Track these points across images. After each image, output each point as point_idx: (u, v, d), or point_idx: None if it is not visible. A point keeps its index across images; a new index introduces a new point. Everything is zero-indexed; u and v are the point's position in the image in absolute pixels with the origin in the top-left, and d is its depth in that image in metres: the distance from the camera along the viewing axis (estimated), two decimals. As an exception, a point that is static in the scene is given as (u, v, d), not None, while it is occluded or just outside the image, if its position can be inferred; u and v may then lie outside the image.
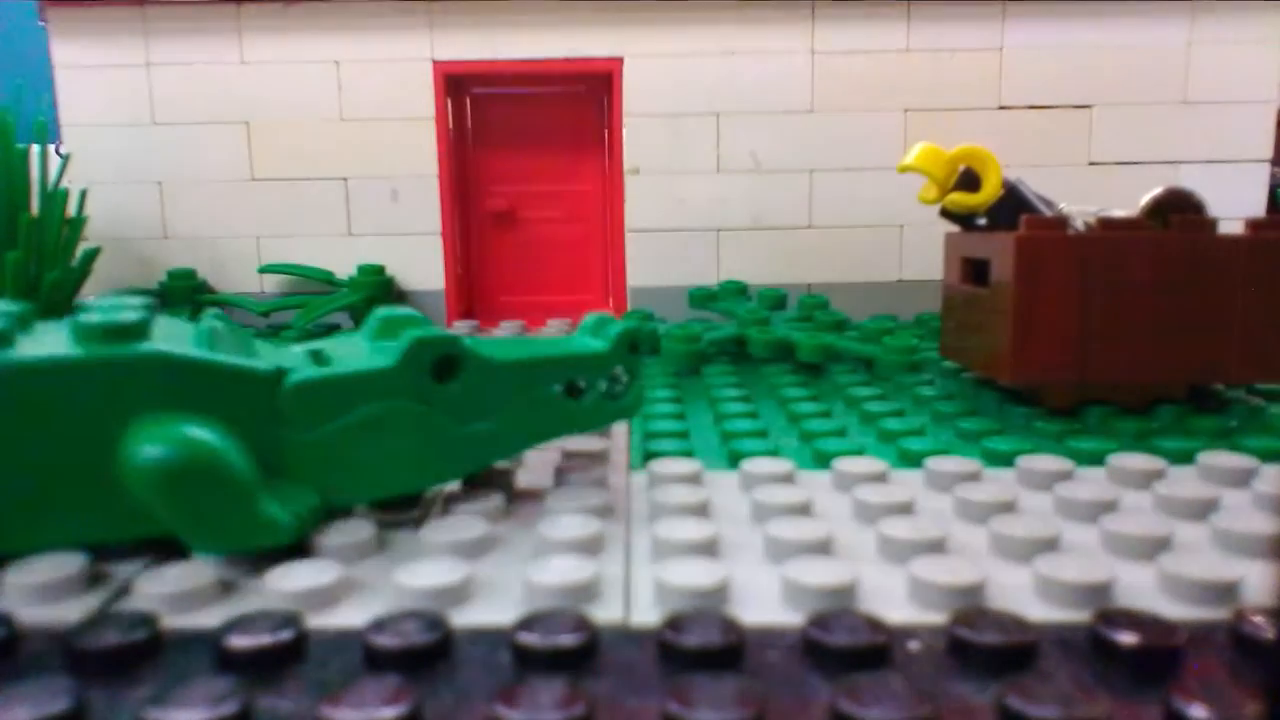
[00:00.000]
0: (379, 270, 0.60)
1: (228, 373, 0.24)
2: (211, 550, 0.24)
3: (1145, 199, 0.41)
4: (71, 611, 0.21)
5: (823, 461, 0.32)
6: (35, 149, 0.55)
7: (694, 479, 0.29)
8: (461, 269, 0.64)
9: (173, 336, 0.25)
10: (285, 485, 0.24)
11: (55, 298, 0.53)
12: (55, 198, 0.54)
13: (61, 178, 0.56)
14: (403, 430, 0.26)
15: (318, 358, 0.27)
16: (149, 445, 0.22)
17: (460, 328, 0.58)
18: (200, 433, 0.23)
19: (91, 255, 0.57)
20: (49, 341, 0.24)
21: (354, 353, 0.27)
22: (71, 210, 0.56)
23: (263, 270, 0.61)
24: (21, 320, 0.25)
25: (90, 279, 0.57)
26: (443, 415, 0.26)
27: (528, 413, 0.28)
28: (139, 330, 0.23)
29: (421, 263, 0.61)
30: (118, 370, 0.23)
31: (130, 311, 0.24)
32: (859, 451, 0.32)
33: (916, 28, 0.59)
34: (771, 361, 0.47)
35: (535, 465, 0.32)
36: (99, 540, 0.24)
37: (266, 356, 0.26)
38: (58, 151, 0.58)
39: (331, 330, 0.58)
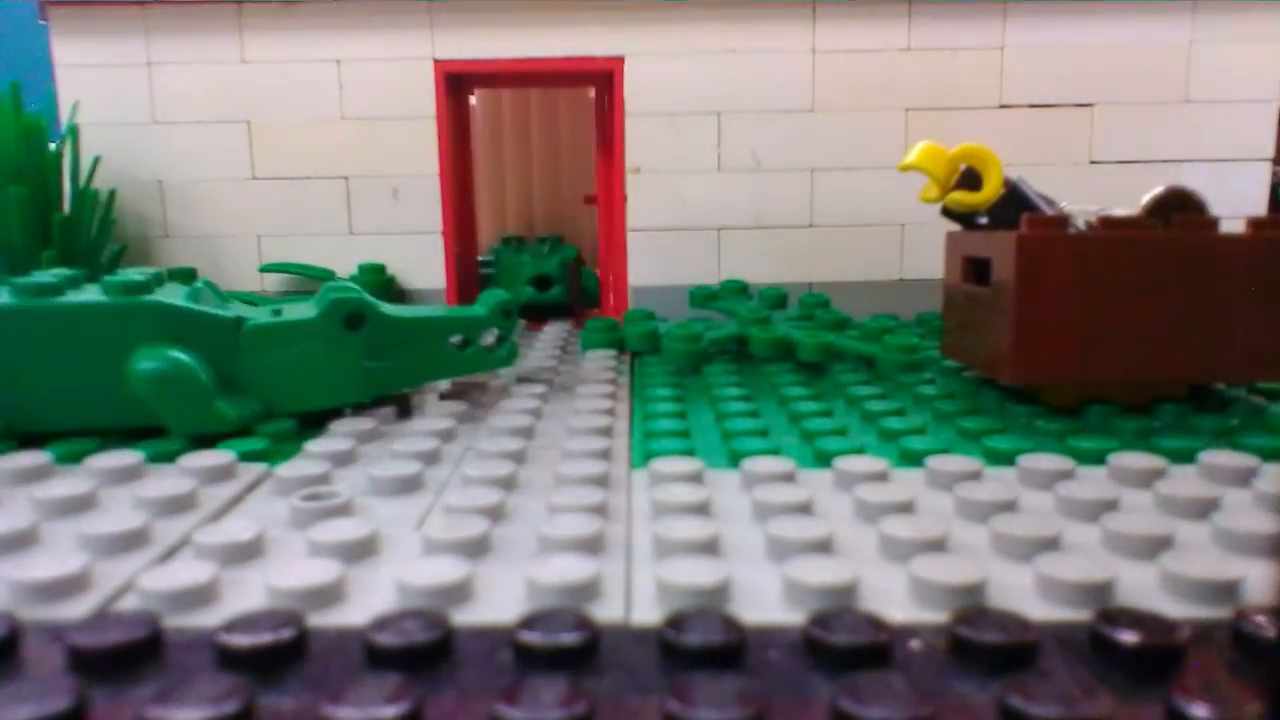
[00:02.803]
0: (380, 269, 0.60)
1: (204, 318, 0.35)
2: (183, 432, 0.34)
3: (1146, 198, 0.41)
4: (72, 610, 0.21)
5: (824, 460, 0.32)
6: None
7: (695, 478, 0.29)
8: (463, 268, 0.64)
9: (170, 293, 0.36)
10: (240, 396, 0.35)
11: None
12: (86, 198, 0.55)
13: (92, 179, 0.56)
14: (323, 362, 0.37)
15: (276, 313, 0.37)
16: (144, 360, 0.34)
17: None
18: (178, 354, 0.34)
19: (118, 254, 0.58)
20: (88, 292, 0.35)
21: (300, 310, 0.38)
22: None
23: (264, 269, 0.61)
24: (72, 280, 0.36)
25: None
26: (353, 354, 0.37)
27: (421, 357, 0.39)
28: (147, 287, 0.35)
29: (423, 262, 0.61)
30: (131, 312, 0.34)
31: (141, 275, 0.35)
32: (860, 451, 0.32)
33: (918, 27, 0.59)
34: (772, 361, 0.47)
35: (537, 463, 0.32)
36: (111, 425, 0.35)
37: (238, 311, 0.37)
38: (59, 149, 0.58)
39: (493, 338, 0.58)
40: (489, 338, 0.41)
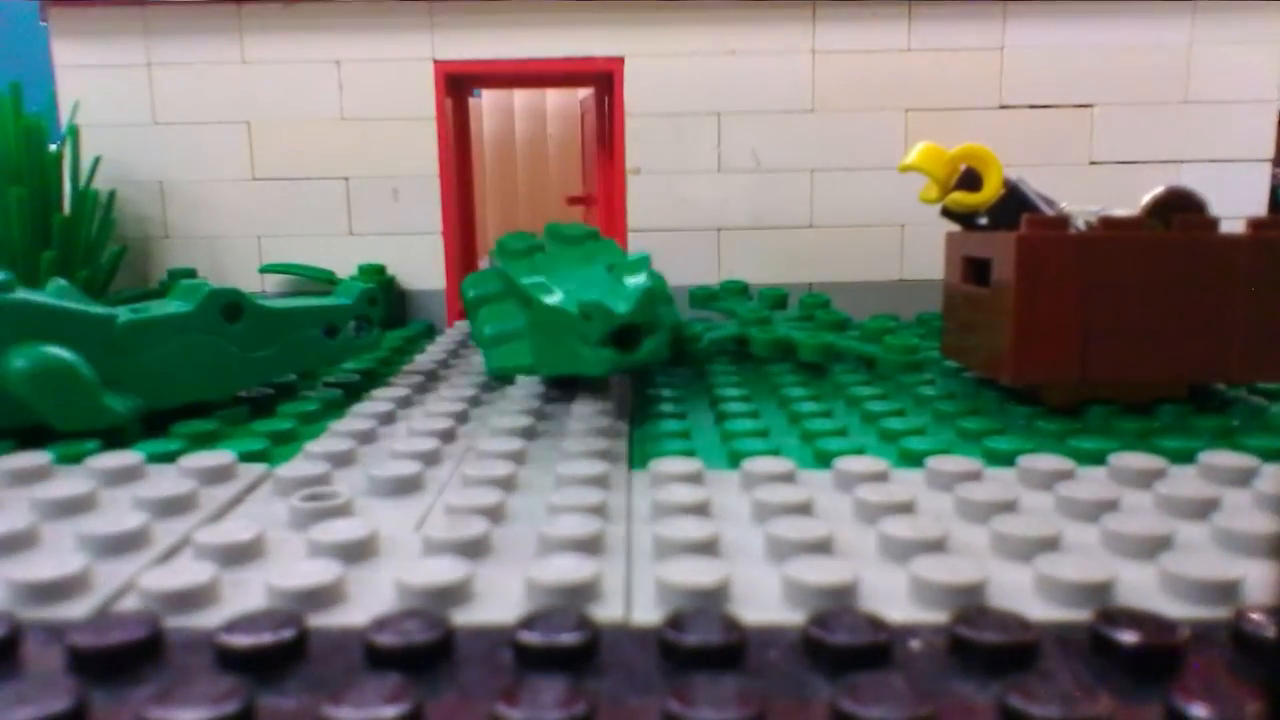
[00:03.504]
0: (380, 270, 0.60)
1: (75, 315, 0.35)
2: (70, 428, 0.34)
3: (1147, 198, 0.41)
4: (72, 610, 0.21)
5: (824, 461, 0.32)
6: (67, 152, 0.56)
7: (695, 478, 0.29)
8: (463, 269, 0.64)
9: (34, 293, 0.35)
10: (118, 393, 0.35)
11: (86, 294, 0.54)
12: (86, 199, 0.55)
13: (92, 179, 0.56)
14: (203, 355, 0.37)
15: (136, 311, 0.37)
16: (18, 358, 0.32)
17: (461, 327, 0.58)
18: (56, 350, 0.33)
19: (118, 254, 0.58)
20: None
21: (173, 306, 0.38)
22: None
23: (264, 270, 0.61)
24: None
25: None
26: (231, 345, 0.38)
27: (295, 346, 0.40)
28: (8, 286, 0.34)
29: (422, 262, 0.61)
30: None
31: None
32: (860, 451, 0.32)
33: (917, 27, 0.59)
34: (773, 361, 0.47)
35: (537, 463, 0.32)
36: None
37: (105, 309, 0.36)
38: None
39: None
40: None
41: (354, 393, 0.43)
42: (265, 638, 0.18)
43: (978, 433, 0.35)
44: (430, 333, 0.60)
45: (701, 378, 0.45)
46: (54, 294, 0.36)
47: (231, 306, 0.38)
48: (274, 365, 0.40)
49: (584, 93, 0.78)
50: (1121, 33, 0.59)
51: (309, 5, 0.58)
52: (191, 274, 0.60)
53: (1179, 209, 0.39)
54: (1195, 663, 0.18)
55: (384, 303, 0.55)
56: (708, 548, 0.23)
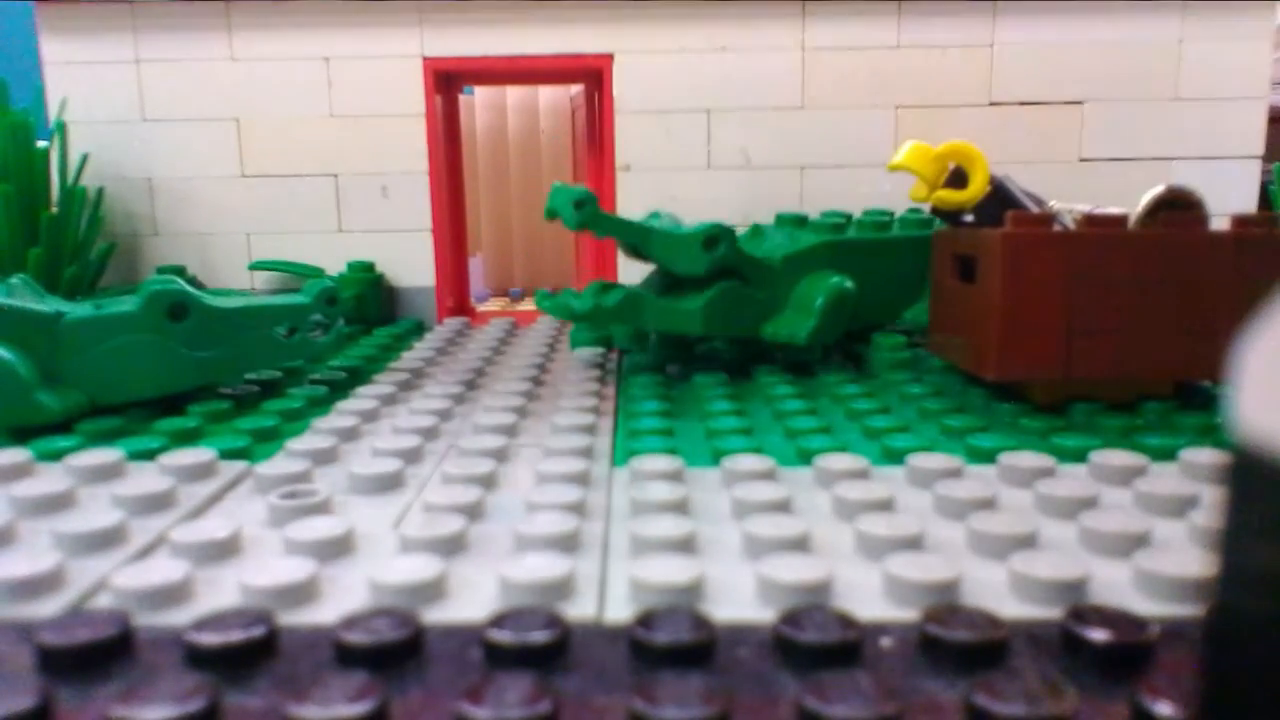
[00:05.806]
0: (369, 267, 0.60)
1: (19, 313, 0.36)
2: (3, 424, 0.35)
3: (1146, 197, 0.40)
4: (44, 609, 0.21)
5: (805, 459, 0.31)
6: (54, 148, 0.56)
7: (675, 476, 0.29)
8: (452, 266, 0.64)
9: None
10: (62, 388, 0.36)
11: (73, 291, 0.54)
12: (74, 195, 0.55)
13: (80, 176, 0.56)
14: (147, 353, 0.37)
15: (98, 307, 0.37)
16: None
17: (451, 324, 0.58)
18: None
19: (107, 251, 0.58)
20: None
21: (124, 303, 0.38)
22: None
23: (253, 267, 0.61)
24: None
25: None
26: (178, 344, 0.38)
27: (247, 345, 0.39)
28: None
29: (412, 259, 0.61)
30: None
31: None
32: (842, 449, 0.32)
33: (907, 24, 0.59)
34: (759, 360, 0.47)
35: (517, 461, 0.32)
36: None
37: (56, 306, 0.37)
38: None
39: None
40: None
41: (339, 389, 0.43)
42: (234, 636, 0.18)
43: (961, 430, 0.35)
44: (419, 330, 0.60)
45: (688, 376, 0.45)
46: (3, 292, 0.37)
47: (177, 306, 0.37)
48: (224, 364, 0.39)
49: (575, 89, 0.78)
50: (1112, 29, 0.59)
51: (297, 3, 0.58)
52: (181, 271, 0.60)
53: (1184, 208, 0.39)
54: (1165, 661, 0.18)
55: (374, 300, 0.56)
56: (684, 545, 0.23)
